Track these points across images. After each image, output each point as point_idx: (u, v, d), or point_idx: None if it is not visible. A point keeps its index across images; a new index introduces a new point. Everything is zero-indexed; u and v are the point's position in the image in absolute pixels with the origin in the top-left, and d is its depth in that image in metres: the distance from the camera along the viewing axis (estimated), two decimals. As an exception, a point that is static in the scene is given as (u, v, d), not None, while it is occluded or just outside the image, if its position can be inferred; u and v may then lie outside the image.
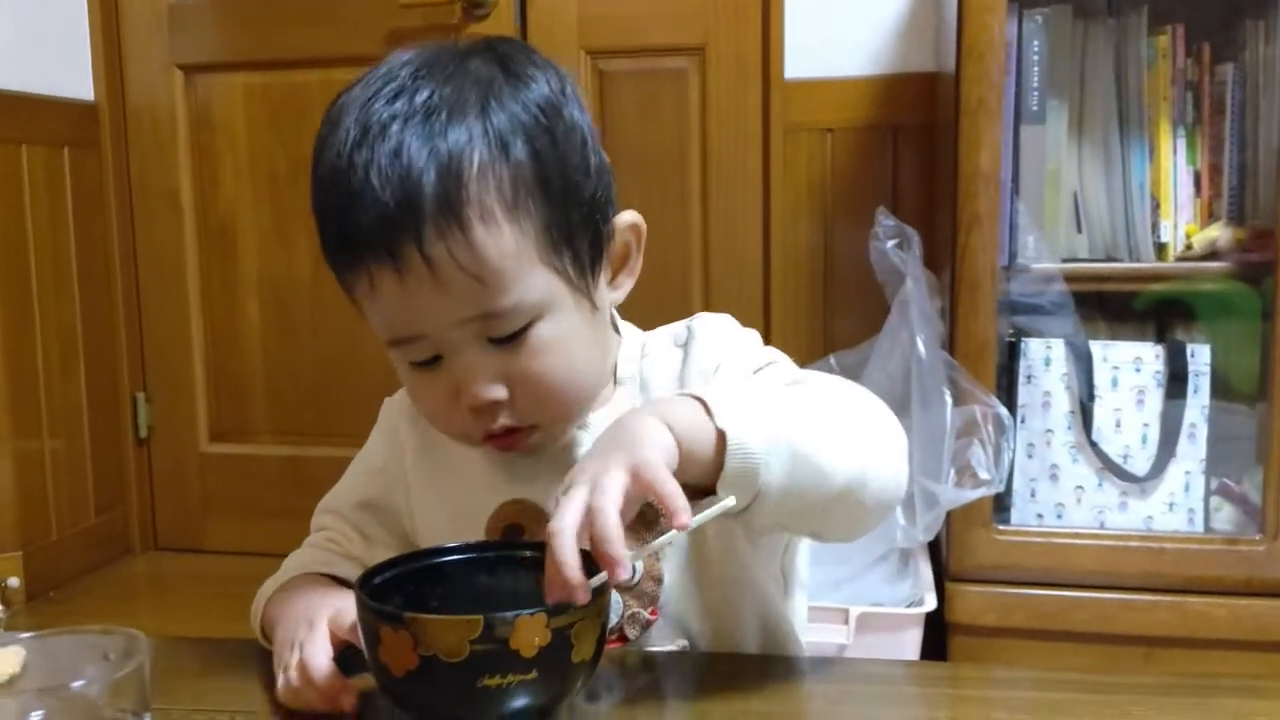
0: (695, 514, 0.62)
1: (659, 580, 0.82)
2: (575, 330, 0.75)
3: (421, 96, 0.70)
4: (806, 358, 2.09)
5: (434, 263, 0.68)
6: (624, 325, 0.88)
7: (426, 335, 0.72)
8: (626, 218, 0.80)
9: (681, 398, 0.68)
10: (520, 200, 0.71)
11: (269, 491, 2.54)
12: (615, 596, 0.79)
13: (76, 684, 0.50)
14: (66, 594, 2.33)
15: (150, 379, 2.57)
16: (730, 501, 0.65)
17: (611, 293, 0.81)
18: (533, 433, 0.77)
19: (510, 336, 0.72)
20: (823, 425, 0.71)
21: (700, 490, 0.68)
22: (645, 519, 0.79)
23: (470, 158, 0.69)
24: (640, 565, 0.81)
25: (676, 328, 0.88)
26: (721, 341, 0.84)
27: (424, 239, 0.68)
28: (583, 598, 0.60)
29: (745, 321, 2.61)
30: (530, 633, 0.59)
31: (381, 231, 0.68)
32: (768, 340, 2.35)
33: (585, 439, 0.83)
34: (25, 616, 2.22)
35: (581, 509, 0.61)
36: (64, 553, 2.35)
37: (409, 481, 0.89)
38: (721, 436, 0.66)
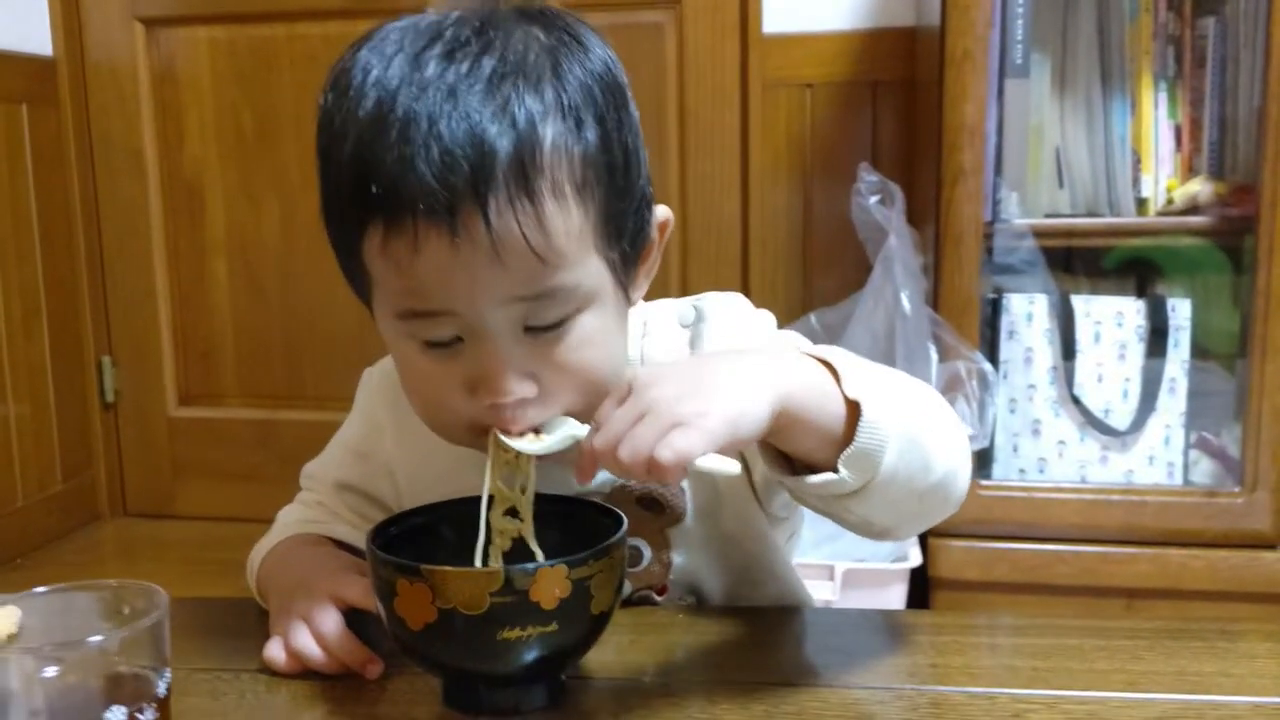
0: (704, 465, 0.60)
1: (667, 565, 0.80)
2: (611, 325, 0.70)
3: (490, 59, 0.64)
4: (786, 317, 2.06)
5: (497, 233, 0.62)
6: None
7: (459, 312, 0.65)
8: (660, 214, 0.75)
9: (803, 357, 0.65)
10: (588, 181, 0.66)
11: (239, 455, 2.51)
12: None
13: (94, 639, 0.48)
14: (34, 561, 2.29)
15: (116, 342, 2.52)
16: (734, 469, 0.61)
17: (633, 292, 0.75)
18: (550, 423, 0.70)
19: (549, 326, 0.66)
20: (926, 412, 0.68)
21: (796, 465, 0.65)
22: (653, 505, 0.78)
23: (545, 129, 0.63)
24: (648, 550, 0.79)
25: (681, 305, 0.82)
26: (735, 325, 0.80)
27: (492, 207, 0.61)
28: (580, 482, 0.62)
29: (724, 280, 2.58)
30: (551, 584, 0.58)
31: (445, 191, 0.61)
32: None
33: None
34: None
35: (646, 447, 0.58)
36: (31, 519, 2.31)
37: (393, 467, 0.84)
38: (854, 409, 0.63)
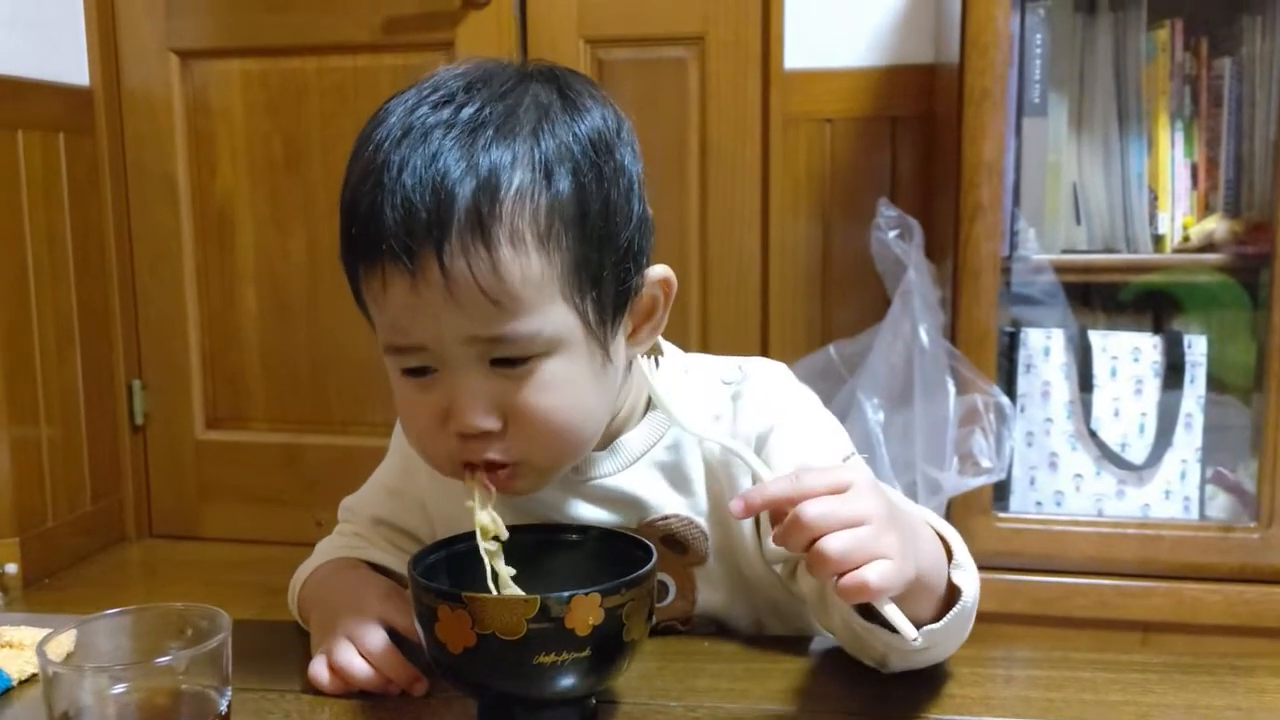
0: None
1: (692, 602, 0.82)
2: (581, 376, 0.70)
3: (470, 109, 0.67)
4: (805, 348, 2.11)
5: (452, 277, 0.65)
6: (665, 346, 0.83)
7: (428, 347, 0.68)
8: (658, 272, 0.75)
9: (924, 524, 0.69)
10: (554, 231, 0.67)
11: (264, 478, 2.55)
12: None
13: (162, 659, 0.51)
14: (62, 581, 2.33)
15: (146, 366, 2.57)
16: (913, 634, 0.62)
17: (630, 347, 0.76)
18: (517, 471, 0.71)
19: (515, 363, 0.68)
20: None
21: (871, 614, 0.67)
22: (676, 545, 0.80)
23: (510, 178, 0.66)
24: (673, 586, 0.82)
25: (725, 365, 0.83)
26: (777, 402, 0.81)
27: (446, 250, 0.64)
28: (738, 509, 0.62)
29: (743, 312, 2.59)
30: (585, 612, 0.61)
31: (405, 233, 0.65)
32: (765, 331, 2.35)
33: (606, 464, 0.79)
34: (22, 603, 2.21)
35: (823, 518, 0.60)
36: (60, 539, 2.35)
37: (425, 500, 0.87)
38: (953, 592, 0.68)
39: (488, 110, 0.67)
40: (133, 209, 2.52)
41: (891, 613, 0.61)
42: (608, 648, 0.62)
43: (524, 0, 2.30)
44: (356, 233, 0.67)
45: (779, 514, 0.62)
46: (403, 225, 0.65)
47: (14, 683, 0.73)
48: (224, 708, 0.53)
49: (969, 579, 0.69)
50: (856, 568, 0.59)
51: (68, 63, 2.40)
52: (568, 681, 0.62)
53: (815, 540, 0.60)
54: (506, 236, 0.65)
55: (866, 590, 0.59)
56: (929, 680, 0.74)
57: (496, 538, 0.70)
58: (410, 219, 0.64)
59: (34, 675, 0.74)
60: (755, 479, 0.74)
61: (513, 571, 0.69)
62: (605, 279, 0.70)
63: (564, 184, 0.67)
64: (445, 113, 0.67)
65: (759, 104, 2.24)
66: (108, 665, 0.53)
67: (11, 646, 0.76)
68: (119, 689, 0.51)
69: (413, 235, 0.65)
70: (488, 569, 0.68)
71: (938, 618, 0.68)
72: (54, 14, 2.37)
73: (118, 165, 2.50)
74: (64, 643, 0.56)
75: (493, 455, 0.70)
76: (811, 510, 0.60)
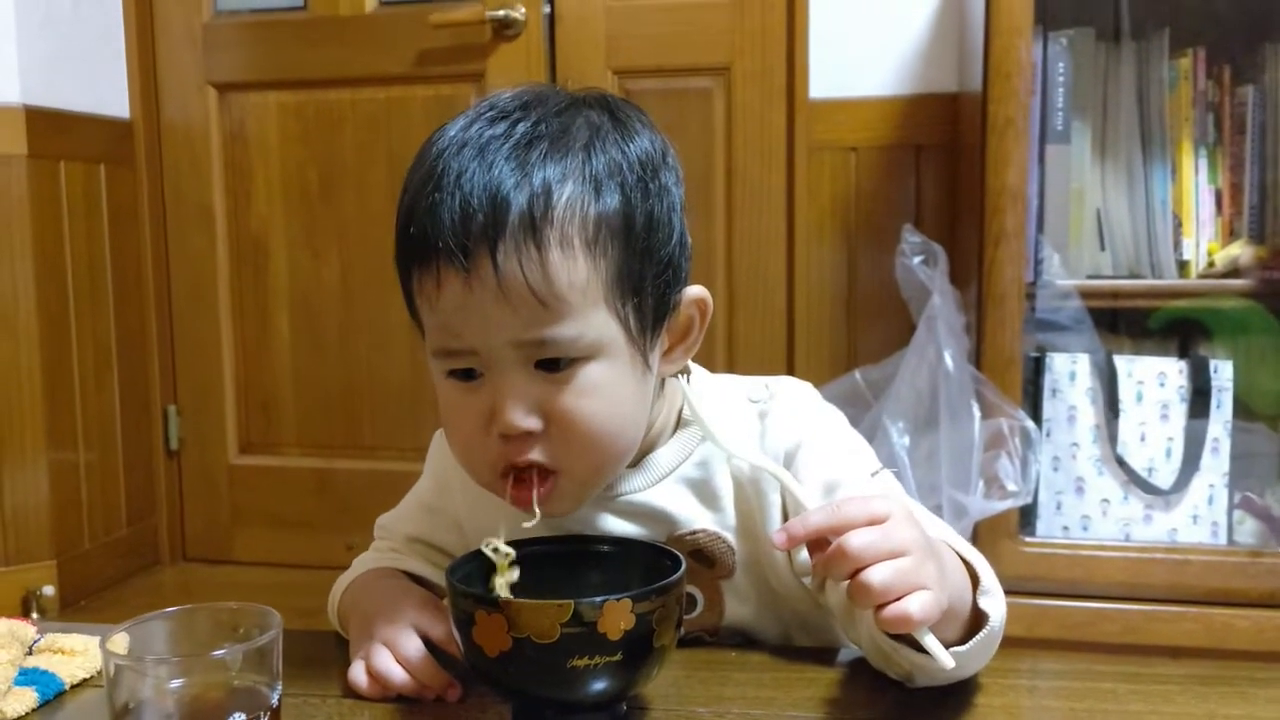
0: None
1: (720, 614, 0.84)
2: (622, 382, 0.73)
3: (525, 125, 0.71)
4: (830, 373, 2.12)
5: (504, 276, 0.68)
6: (692, 366, 0.85)
7: (476, 349, 0.71)
8: (695, 291, 0.79)
9: (950, 550, 0.70)
10: (600, 238, 0.71)
11: (297, 503, 2.58)
12: None
13: (217, 653, 0.54)
14: (98, 603, 2.36)
15: (181, 392, 2.61)
16: (950, 664, 0.65)
17: (664, 365, 0.78)
18: (555, 481, 0.73)
19: (558, 366, 0.71)
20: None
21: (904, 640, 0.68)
22: (703, 559, 0.82)
23: (562, 189, 0.70)
24: (701, 597, 0.84)
25: (753, 384, 0.86)
26: (804, 419, 0.83)
27: (500, 250, 0.68)
28: (780, 540, 0.65)
29: (768, 338, 2.59)
30: (616, 617, 0.63)
31: (461, 234, 0.68)
32: (791, 357, 2.36)
33: (636, 479, 0.81)
34: (58, 624, 2.25)
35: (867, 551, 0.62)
36: (96, 562, 2.39)
37: (460, 518, 0.88)
38: (979, 619, 0.70)
39: (543, 126, 0.71)
40: (170, 238, 2.58)
41: (930, 643, 0.64)
42: (638, 652, 0.64)
43: (553, 32, 2.34)
44: (415, 233, 0.71)
45: (820, 543, 0.65)
46: (460, 226, 0.69)
47: (66, 686, 0.75)
48: (275, 701, 0.56)
49: (996, 604, 0.71)
50: (899, 598, 0.62)
51: (109, 96, 2.47)
52: (599, 685, 0.64)
53: (858, 571, 0.62)
54: (557, 240, 0.69)
55: (909, 622, 0.62)
56: (953, 690, 0.75)
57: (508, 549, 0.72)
58: (467, 221, 0.69)
59: (85, 680, 0.77)
60: (785, 494, 0.76)
61: (514, 579, 0.71)
62: (646, 289, 0.74)
63: (612, 198, 0.71)
64: (502, 128, 0.71)
65: (784, 133, 2.27)
66: (168, 658, 0.55)
67: (63, 653, 0.79)
68: (176, 683, 0.54)
69: (469, 236, 0.68)
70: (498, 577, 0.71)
71: (962, 640, 0.69)
72: (96, 49, 2.44)
73: (156, 195, 2.56)
74: (119, 642, 0.58)
75: (534, 456, 0.72)
76: (855, 541, 0.63)
